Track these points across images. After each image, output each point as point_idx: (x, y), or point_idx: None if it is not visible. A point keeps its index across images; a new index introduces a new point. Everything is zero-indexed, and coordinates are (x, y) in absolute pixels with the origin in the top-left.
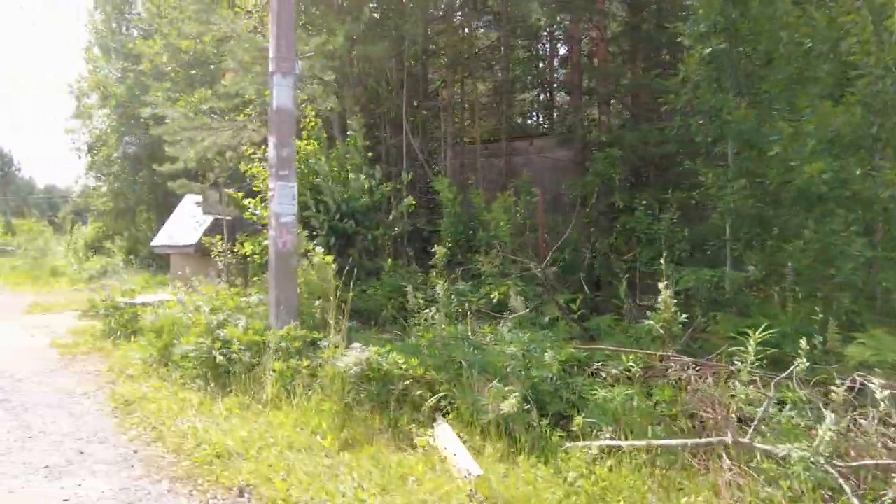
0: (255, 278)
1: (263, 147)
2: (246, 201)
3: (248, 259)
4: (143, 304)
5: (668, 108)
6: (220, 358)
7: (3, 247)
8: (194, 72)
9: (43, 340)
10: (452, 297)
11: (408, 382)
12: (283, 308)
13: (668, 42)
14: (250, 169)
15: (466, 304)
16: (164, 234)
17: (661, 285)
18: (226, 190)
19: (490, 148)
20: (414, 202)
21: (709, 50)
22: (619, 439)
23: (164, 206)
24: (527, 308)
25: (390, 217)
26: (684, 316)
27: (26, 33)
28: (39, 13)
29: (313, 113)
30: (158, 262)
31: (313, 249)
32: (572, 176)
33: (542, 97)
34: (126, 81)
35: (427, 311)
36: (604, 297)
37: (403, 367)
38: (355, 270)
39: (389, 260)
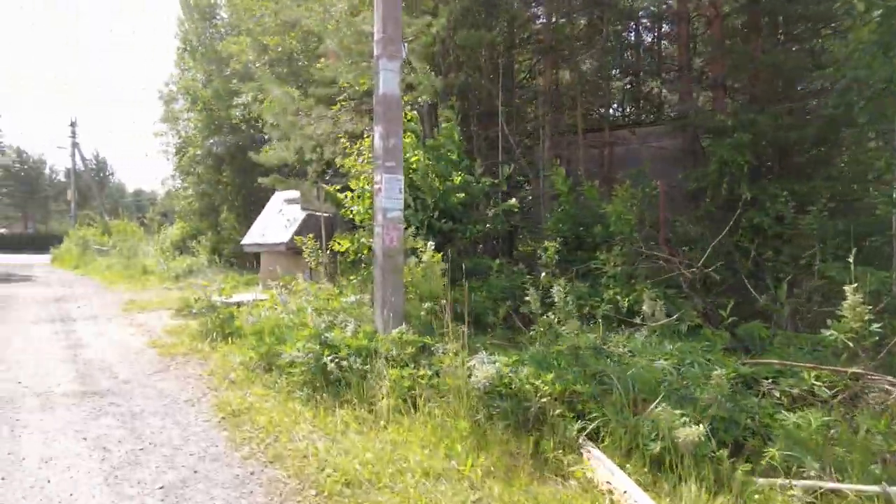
0: (352, 278)
1: (360, 140)
2: (342, 196)
3: (340, 258)
4: (239, 304)
5: (806, 88)
6: (331, 365)
7: (100, 246)
8: (280, 69)
9: (142, 340)
10: (570, 300)
11: (544, 400)
12: (389, 310)
13: (794, 15)
14: (346, 163)
15: (587, 309)
16: (253, 232)
17: (847, 288)
18: (323, 185)
19: (588, 138)
20: (517, 204)
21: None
22: (831, 479)
23: (247, 205)
24: (666, 314)
25: (489, 213)
26: (877, 326)
27: (119, 42)
28: (131, 23)
29: (407, 105)
30: (241, 261)
31: (423, 246)
32: (682, 166)
33: (634, 84)
34: (211, 84)
35: (546, 315)
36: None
37: (538, 382)
38: (463, 270)
39: (496, 260)
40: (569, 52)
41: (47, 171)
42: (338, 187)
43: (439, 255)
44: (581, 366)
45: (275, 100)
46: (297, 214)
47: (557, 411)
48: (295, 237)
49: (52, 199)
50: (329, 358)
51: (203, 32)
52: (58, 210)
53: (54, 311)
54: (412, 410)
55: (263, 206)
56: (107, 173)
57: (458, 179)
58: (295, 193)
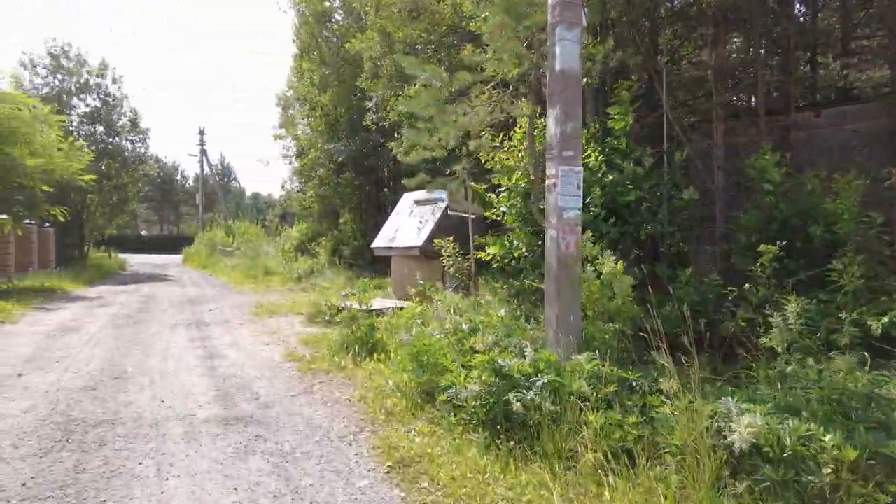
0: (496, 286)
1: (509, 131)
2: (491, 196)
3: (483, 263)
4: (378, 313)
5: None
6: (517, 405)
7: (225, 247)
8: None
9: (277, 350)
10: (797, 321)
11: (829, 470)
12: (564, 330)
13: None
14: (496, 157)
15: (819, 333)
16: (383, 235)
17: None
18: (471, 184)
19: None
20: (695, 195)
21: None
22: None
23: (368, 207)
24: None
25: (655, 212)
26: None
27: (237, 47)
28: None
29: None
30: (361, 263)
31: (601, 253)
32: (889, 151)
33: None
34: (331, 89)
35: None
36: None
37: (816, 443)
38: (645, 282)
39: (688, 269)
40: (749, 20)
41: (179, 176)
42: (484, 186)
43: (620, 264)
44: (860, 420)
45: (418, 91)
46: (430, 216)
47: (852, 483)
48: (435, 240)
49: (183, 203)
50: (513, 395)
51: (319, 35)
52: (188, 213)
53: (189, 314)
54: (627, 471)
55: (383, 208)
56: (231, 178)
57: (628, 171)
58: (425, 194)
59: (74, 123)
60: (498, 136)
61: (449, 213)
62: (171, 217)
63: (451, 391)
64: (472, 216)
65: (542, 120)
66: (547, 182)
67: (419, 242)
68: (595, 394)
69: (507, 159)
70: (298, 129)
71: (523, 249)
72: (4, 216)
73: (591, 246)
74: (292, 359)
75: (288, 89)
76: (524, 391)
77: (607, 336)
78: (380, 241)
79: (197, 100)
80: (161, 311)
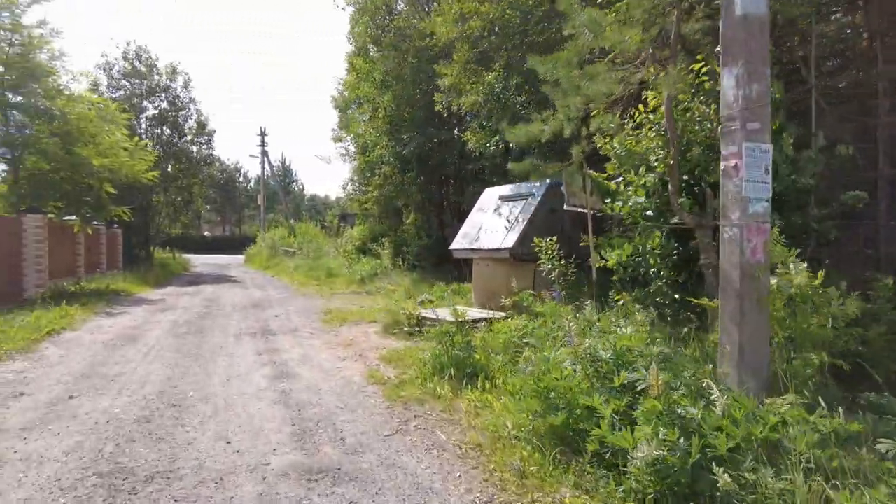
0: (617, 298)
1: (636, 106)
2: (613, 186)
3: (591, 270)
4: (472, 325)
5: None
6: (722, 479)
7: (286, 248)
8: (486, 47)
9: (356, 369)
10: None
11: None
12: (748, 364)
13: None
14: (616, 141)
15: None
16: (464, 235)
17: None
18: (589, 172)
19: None
20: (864, 195)
21: None
22: None
23: (434, 207)
24: None
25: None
26: None
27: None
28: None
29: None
30: (424, 265)
31: (787, 260)
32: None
33: None
34: (392, 89)
35: None
36: None
37: None
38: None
39: (891, 280)
40: None
41: (241, 178)
42: (604, 175)
43: (821, 274)
44: None
45: (545, 60)
46: (520, 213)
47: None
48: (535, 240)
49: (245, 204)
50: (715, 464)
51: (382, 27)
52: (249, 214)
53: (253, 320)
54: None
55: (449, 208)
56: (291, 179)
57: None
58: (511, 189)
59: (143, 126)
60: (617, 116)
61: (564, 207)
62: (232, 218)
63: (607, 449)
64: (593, 212)
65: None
66: (723, 165)
67: (509, 244)
68: (831, 461)
69: (633, 142)
70: (359, 128)
71: (657, 253)
72: (73, 217)
73: (786, 250)
74: (375, 381)
75: (343, 89)
76: (717, 453)
77: (808, 371)
78: (460, 243)
79: (257, 100)
80: (224, 317)
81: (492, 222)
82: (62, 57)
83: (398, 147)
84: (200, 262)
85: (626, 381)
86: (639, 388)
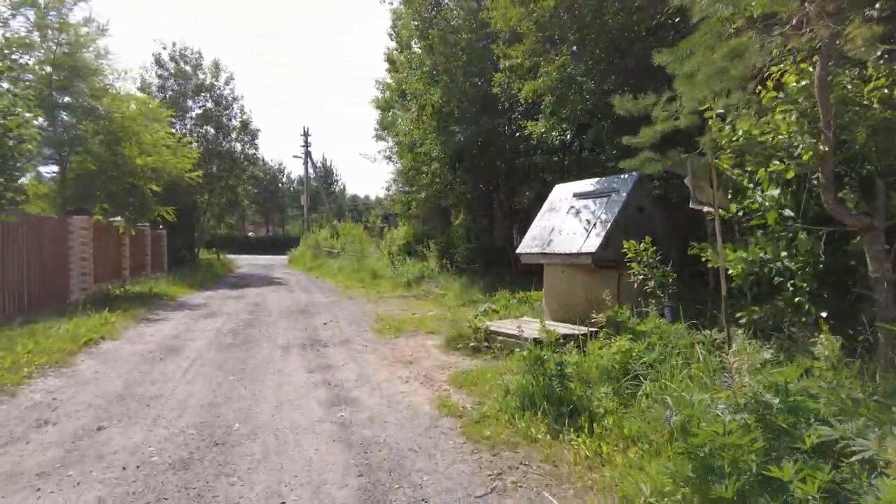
0: (741, 315)
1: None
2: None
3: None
4: (561, 344)
5: None
6: None
7: (330, 249)
8: (554, 29)
9: (423, 395)
10: None
11: None
12: None
13: None
14: (743, 126)
15: None
16: (533, 237)
17: None
18: (717, 162)
19: None
20: None
21: None
22: None
23: (481, 206)
24: None
25: None
26: None
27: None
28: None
29: None
30: (474, 268)
31: None
32: None
33: None
34: (440, 84)
35: None
36: None
37: None
38: None
39: None
40: None
41: (284, 179)
42: (727, 166)
43: None
44: None
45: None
46: (603, 212)
47: None
48: (624, 244)
49: (288, 204)
50: None
51: (431, 19)
52: (292, 215)
53: (302, 329)
54: None
55: (500, 207)
56: (333, 180)
57: None
58: (587, 185)
59: (188, 125)
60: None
61: (690, 205)
62: (275, 219)
63: None
64: (721, 212)
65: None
66: None
67: (591, 248)
68: None
69: (764, 127)
70: (406, 125)
71: (800, 260)
72: (118, 218)
73: None
74: (449, 411)
75: (384, 89)
76: None
77: None
78: (528, 246)
79: (299, 100)
80: (271, 325)
81: (567, 223)
82: (107, 55)
83: (448, 142)
84: (245, 262)
85: (819, 441)
86: (853, 458)
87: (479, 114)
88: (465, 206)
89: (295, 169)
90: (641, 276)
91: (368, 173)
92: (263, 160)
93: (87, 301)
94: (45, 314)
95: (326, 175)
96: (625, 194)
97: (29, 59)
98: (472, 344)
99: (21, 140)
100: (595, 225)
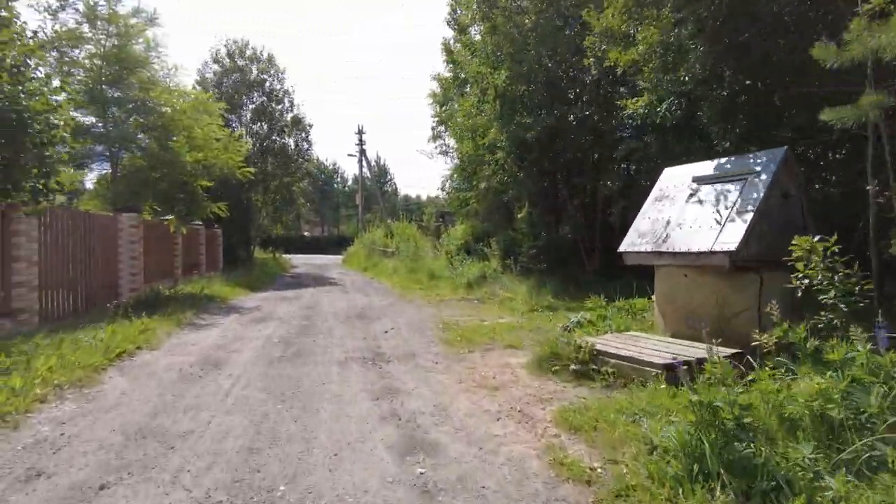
0: None
1: None
2: None
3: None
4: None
5: None
6: None
7: (384, 248)
8: None
9: (525, 441)
10: None
11: None
12: None
13: None
14: None
15: None
16: (642, 233)
17: None
18: None
19: None
20: None
21: None
22: None
23: (548, 200)
24: None
25: None
26: None
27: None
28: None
29: None
30: (541, 267)
31: None
32: None
33: None
34: (507, 63)
35: None
36: None
37: None
38: None
39: None
40: None
41: (338, 178)
42: None
43: None
44: None
45: None
46: (739, 201)
47: None
48: (796, 240)
49: (342, 204)
50: None
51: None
52: (346, 214)
53: (360, 338)
54: None
55: (571, 200)
56: (386, 179)
57: None
58: (704, 168)
59: (244, 121)
60: None
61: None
62: (330, 218)
63: None
64: None
65: None
66: None
67: (729, 244)
68: None
69: None
70: (469, 110)
71: None
72: (170, 216)
73: None
74: (570, 473)
75: (441, 83)
76: None
77: None
78: (635, 244)
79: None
80: (326, 333)
81: (687, 214)
82: (157, 48)
83: (513, 129)
84: (300, 262)
85: None
86: None
87: (549, 98)
88: (530, 199)
89: (349, 168)
90: (808, 282)
91: (422, 174)
92: (318, 159)
93: (134, 302)
94: (89, 318)
95: (380, 174)
96: (766, 177)
97: (79, 54)
98: (572, 367)
99: (52, 126)
100: (730, 216)
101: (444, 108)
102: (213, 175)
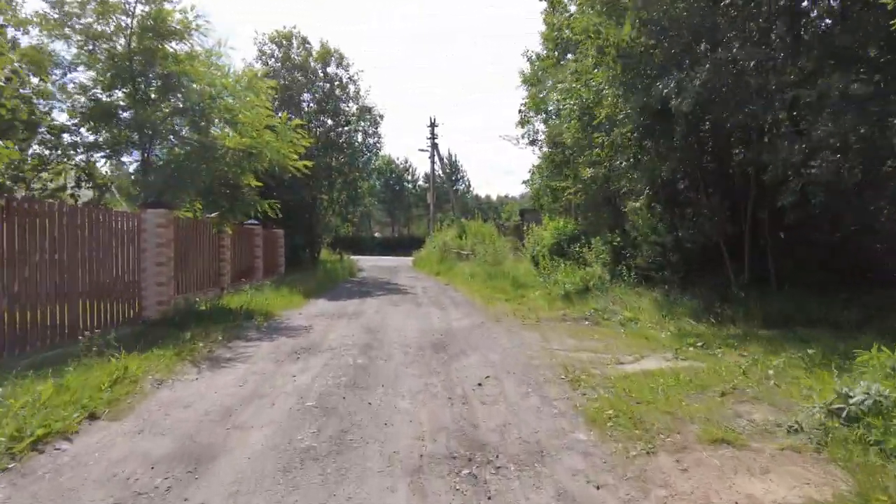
0: None
1: None
2: None
3: None
4: None
5: None
6: None
7: (459, 250)
8: None
9: None
10: None
11: None
12: None
13: None
14: None
15: None
16: None
17: None
18: None
19: None
20: None
21: None
22: None
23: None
24: None
25: None
26: None
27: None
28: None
29: None
30: (665, 276)
31: None
32: None
33: None
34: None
35: None
36: None
37: None
38: None
39: None
40: None
41: (409, 177)
42: None
43: None
44: None
45: None
46: None
47: None
48: None
49: (413, 204)
50: None
51: None
52: (417, 214)
53: (442, 400)
54: None
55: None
56: (458, 177)
57: None
58: None
59: (305, 111)
60: None
61: None
62: (401, 219)
63: None
64: None
65: None
66: None
67: None
68: None
69: None
70: (579, 72)
71: None
72: (213, 215)
73: None
74: None
75: (533, 60)
76: None
77: None
78: None
79: (424, 92)
80: (388, 386)
81: None
82: (198, 18)
83: (645, 97)
84: (368, 264)
85: None
86: None
87: (704, 49)
88: (654, 189)
89: (420, 166)
90: None
91: (496, 174)
92: (389, 156)
93: (159, 319)
94: (82, 348)
95: (452, 171)
96: None
97: (108, 27)
98: None
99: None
100: None
101: (536, 86)
102: (262, 166)
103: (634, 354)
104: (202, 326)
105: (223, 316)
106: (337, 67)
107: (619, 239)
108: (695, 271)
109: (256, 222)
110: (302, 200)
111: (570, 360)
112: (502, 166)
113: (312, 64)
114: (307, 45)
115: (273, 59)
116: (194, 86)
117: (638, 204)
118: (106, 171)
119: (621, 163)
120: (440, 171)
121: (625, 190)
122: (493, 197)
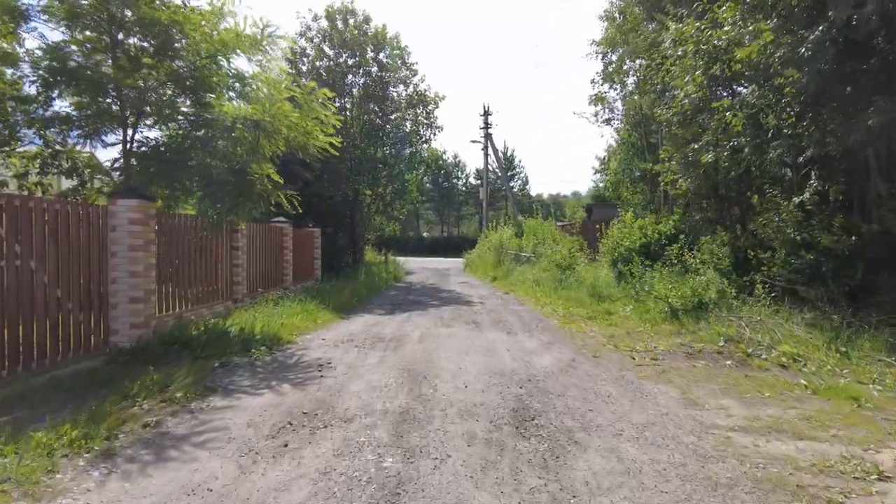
0: None
1: None
2: None
3: None
4: None
5: None
6: None
7: (517, 251)
8: None
9: None
10: None
11: None
12: None
13: None
14: None
15: None
16: None
17: None
18: None
19: None
20: None
21: None
22: None
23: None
24: None
25: None
26: None
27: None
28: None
29: None
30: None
31: None
32: None
33: None
34: None
35: None
36: None
37: None
38: None
39: None
40: None
41: (460, 173)
42: None
43: None
44: None
45: None
46: None
47: None
48: None
49: (464, 201)
50: None
51: None
52: (467, 213)
53: None
54: None
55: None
56: (514, 170)
57: None
58: None
59: (349, 106)
60: None
61: None
62: (451, 218)
63: None
64: None
65: None
66: None
67: None
68: None
69: None
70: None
71: None
72: (212, 210)
73: None
74: None
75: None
76: None
77: None
78: None
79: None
80: (449, 480)
81: None
82: None
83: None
84: (416, 266)
85: None
86: None
87: None
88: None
89: (470, 162)
90: None
91: (552, 172)
92: (438, 152)
93: (129, 350)
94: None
95: (508, 165)
96: None
97: None
98: None
99: None
100: None
101: (615, 50)
102: (279, 148)
103: (873, 443)
104: (178, 363)
105: (216, 343)
106: (386, 53)
107: (746, 240)
108: (862, 287)
109: (285, 220)
110: (343, 196)
111: (771, 463)
112: (556, 166)
113: (362, 46)
114: (365, 26)
115: (319, 38)
116: (184, 42)
117: (806, 195)
118: (89, 154)
119: (772, 131)
120: (494, 166)
121: (775, 169)
122: (545, 195)
